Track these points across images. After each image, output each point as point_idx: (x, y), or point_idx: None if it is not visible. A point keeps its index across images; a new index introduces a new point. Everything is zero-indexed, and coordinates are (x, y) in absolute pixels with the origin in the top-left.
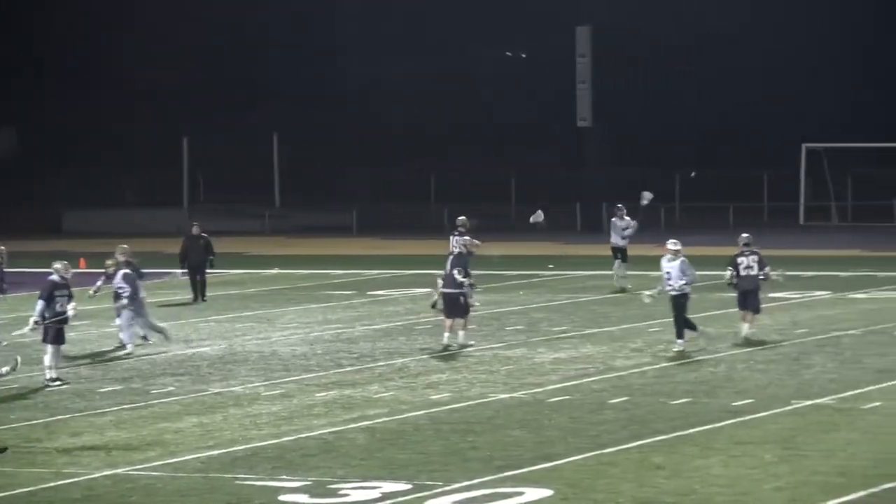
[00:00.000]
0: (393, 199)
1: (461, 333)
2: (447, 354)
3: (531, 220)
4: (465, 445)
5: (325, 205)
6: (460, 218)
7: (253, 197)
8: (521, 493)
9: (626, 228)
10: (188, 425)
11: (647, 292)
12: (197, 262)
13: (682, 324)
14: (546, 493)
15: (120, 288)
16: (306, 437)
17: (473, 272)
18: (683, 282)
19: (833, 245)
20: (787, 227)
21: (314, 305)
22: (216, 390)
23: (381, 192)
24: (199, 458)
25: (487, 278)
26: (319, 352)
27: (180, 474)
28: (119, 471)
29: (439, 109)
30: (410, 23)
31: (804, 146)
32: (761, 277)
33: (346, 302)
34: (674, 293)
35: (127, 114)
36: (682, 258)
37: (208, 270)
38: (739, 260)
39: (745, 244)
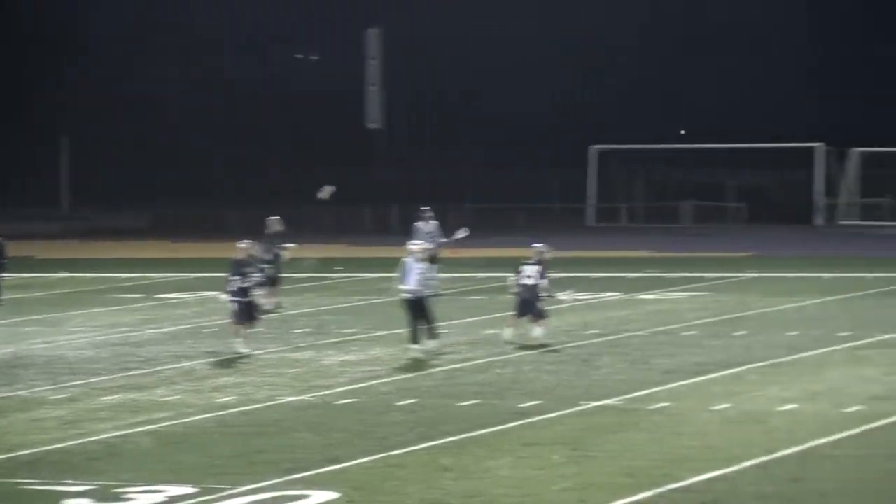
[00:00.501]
0: (189, 203)
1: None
2: (235, 358)
3: (319, 195)
4: (252, 448)
5: (119, 208)
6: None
7: (42, 200)
8: (307, 497)
9: (431, 232)
10: None
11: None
12: None
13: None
14: (333, 495)
15: None
16: (92, 440)
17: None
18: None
19: (622, 246)
20: (577, 228)
21: (102, 309)
22: (1, 395)
23: (176, 196)
24: None
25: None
26: (106, 355)
27: None
28: None
29: (236, 113)
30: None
31: (593, 147)
32: (540, 293)
33: (134, 305)
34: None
35: None
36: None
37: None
38: (522, 268)
39: (535, 255)
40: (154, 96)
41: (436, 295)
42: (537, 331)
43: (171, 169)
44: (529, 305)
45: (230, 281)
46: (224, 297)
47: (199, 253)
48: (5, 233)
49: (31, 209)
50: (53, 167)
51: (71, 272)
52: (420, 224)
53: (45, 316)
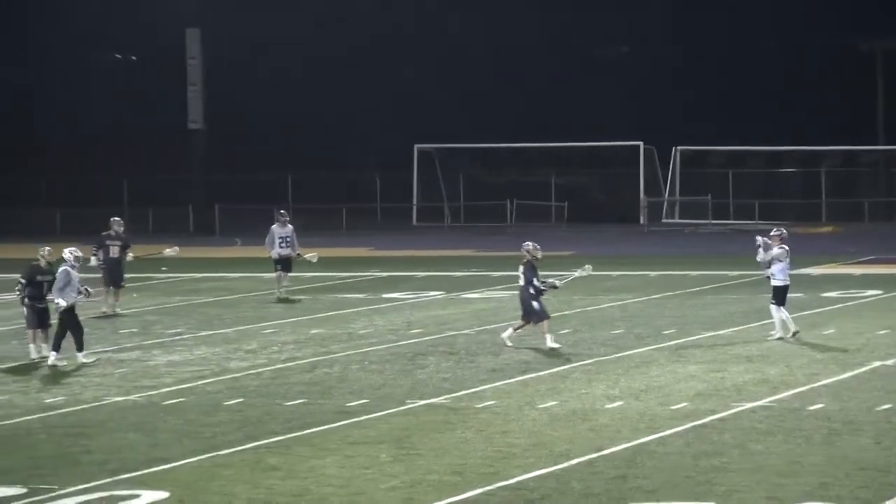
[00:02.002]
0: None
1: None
2: (60, 358)
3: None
4: (79, 449)
5: None
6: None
7: None
8: (137, 496)
9: (288, 237)
10: None
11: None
12: None
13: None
14: (162, 495)
15: None
16: None
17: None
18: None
19: (446, 245)
20: (401, 228)
21: None
22: None
23: None
24: None
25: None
26: None
27: None
28: None
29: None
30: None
31: (416, 147)
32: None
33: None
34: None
35: None
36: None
37: None
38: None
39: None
40: None
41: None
42: (549, 341)
43: None
44: (526, 307)
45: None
46: (61, 301)
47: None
48: None
49: None
50: None
51: None
52: (275, 227)
53: None
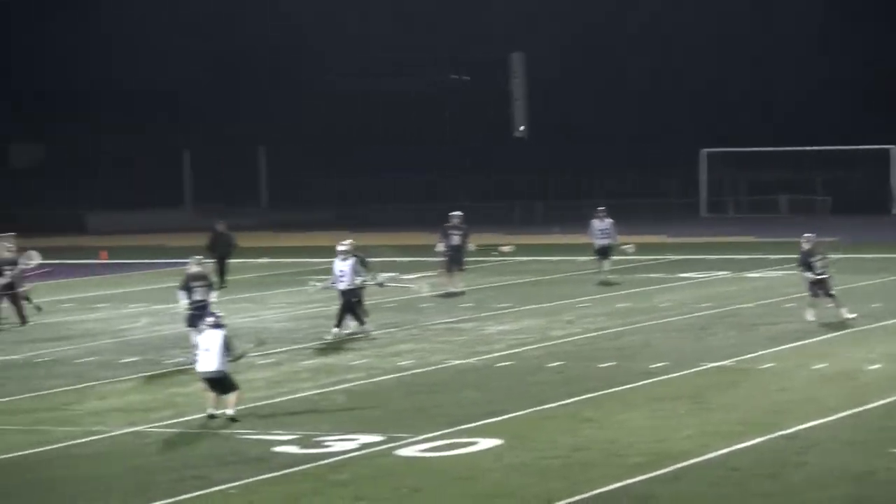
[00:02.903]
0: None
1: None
2: (412, 328)
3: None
4: (428, 403)
5: (310, 204)
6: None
7: (242, 199)
8: (475, 443)
9: (607, 229)
10: (195, 389)
11: (318, 284)
12: (223, 252)
13: (343, 315)
14: (496, 442)
15: None
16: (295, 398)
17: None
18: (359, 279)
19: (730, 233)
20: (692, 218)
21: (298, 288)
22: None
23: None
24: (204, 416)
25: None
26: (304, 326)
27: (189, 430)
28: (138, 428)
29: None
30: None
31: (703, 151)
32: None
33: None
34: (344, 287)
35: (131, 128)
36: (354, 258)
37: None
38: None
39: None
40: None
41: None
42: (844, 313)
43: (352, 174)
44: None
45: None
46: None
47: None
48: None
49: (237, 207)
50: (253, 171)
51: (271, 258)
52: (595, 221)
53: (252, 294)
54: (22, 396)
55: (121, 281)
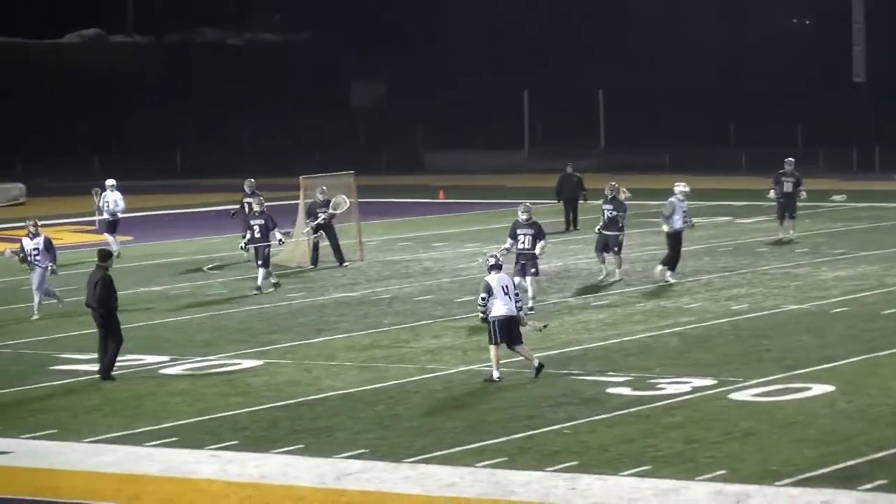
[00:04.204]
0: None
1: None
2: (746, 272)
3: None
4: (760, 348)
5: (643, 146)
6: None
7: (581, 139)
8: (808, 388)
9: None
10: (525, 330)
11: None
12: (570, 196)
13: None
14: (828, 388)
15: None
16: (628, 340)
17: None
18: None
19: None
20: None
21: (633, 231)
22: (553, 300)
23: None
24: (538, 356)
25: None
26: (638, 269)
27: (523, 370)
28: (472, 367)
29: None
30: None
31: None
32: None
33: (660, 228)
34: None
35: (475, 71)
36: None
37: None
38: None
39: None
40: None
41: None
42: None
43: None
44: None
45: None
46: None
47: (713, 185)
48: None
49: (574, 150)
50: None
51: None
52: None
53: (588, 236)
54: (357, 333)
55: (458, 221)
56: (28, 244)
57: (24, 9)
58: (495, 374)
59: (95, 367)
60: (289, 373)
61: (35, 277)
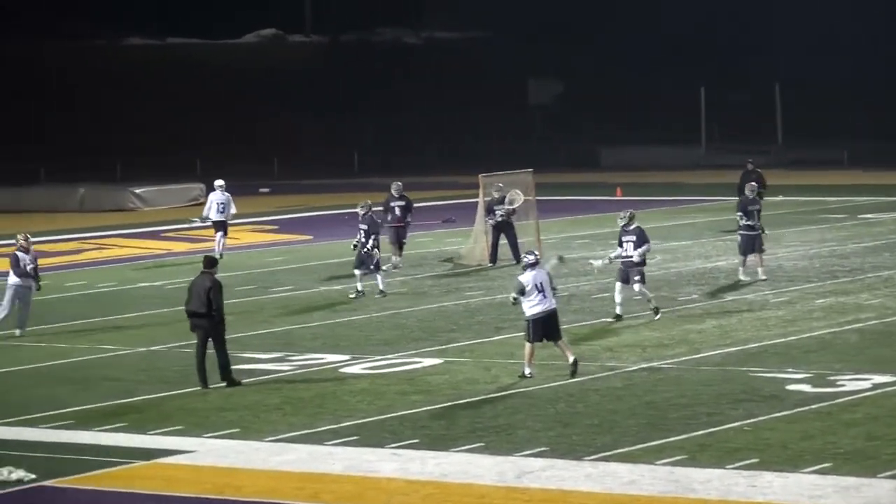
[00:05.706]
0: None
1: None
2: None
3: None
4: None
5: (819, 142)
6: None
7: (758, 137)
8: None
9: None
10: (709, 326)
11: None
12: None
13: None
14: None
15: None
16: (807, 336)
17: None
18: None
19: None
20: None
21: (812, 227)
22: (731, 298)
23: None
24: (717, 353)
25: None
26: (817, 265)
27: (702, 367)
28: (652, 364)
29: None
30: None
31: None
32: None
33: (839, 224)
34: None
35: (649, 66)
36: None
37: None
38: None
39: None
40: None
41: None
42: None
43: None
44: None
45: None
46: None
47: (889, 180)
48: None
49: (751, 146)
50: (769, 108)
51: (785, 196)
52: None
53: (768, 232)
54: None
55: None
56: (25, 258)
57: (204, 10)
58: (527, 371)
59: (279, 366)
60: (468, 371)
61: (25, 293)
